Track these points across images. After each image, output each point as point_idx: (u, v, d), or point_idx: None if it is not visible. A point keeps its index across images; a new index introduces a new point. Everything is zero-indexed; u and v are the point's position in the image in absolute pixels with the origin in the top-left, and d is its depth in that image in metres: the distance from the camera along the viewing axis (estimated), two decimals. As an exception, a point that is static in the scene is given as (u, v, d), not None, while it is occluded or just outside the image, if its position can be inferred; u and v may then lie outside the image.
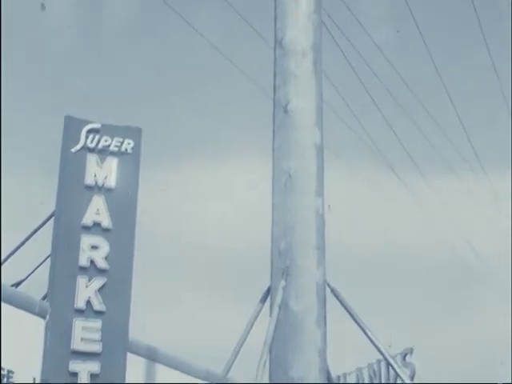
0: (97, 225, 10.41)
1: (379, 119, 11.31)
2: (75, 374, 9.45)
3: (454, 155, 14.72)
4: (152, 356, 10.43)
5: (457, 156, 14.74)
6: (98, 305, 9.91)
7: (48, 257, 10.31)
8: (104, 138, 10.79)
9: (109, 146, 10.75)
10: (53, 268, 10.08)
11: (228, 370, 5.08)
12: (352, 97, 10.57)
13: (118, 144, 10.78)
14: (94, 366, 9.56)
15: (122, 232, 10.45)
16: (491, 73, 12.91)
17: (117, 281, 10.14)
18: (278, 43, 5.55)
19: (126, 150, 10.80)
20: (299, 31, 5.48)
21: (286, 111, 5.34)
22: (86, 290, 9.98)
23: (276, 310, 5.02)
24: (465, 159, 15.04)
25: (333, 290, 5.24)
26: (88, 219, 10.38)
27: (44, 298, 9.97)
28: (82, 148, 10.72)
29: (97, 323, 9.75)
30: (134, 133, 10.93)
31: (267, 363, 4.90)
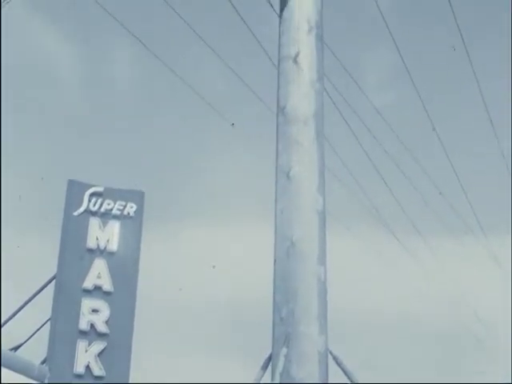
0: (98, 288, 10.41)
1: (381, 184, 11.35)
2: None
3: (455, 219, 14.72)
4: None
5: (457, 220, 14.75)
6: (97, 370, 9.83)
7: (48, 320, 10.26)
8: (107, 202, 10.85)
9: (111, 209, 10.81)
10: (52, 332, 10.02)
11: None
12: (353, 162, 10.64)
13: (121, 207, 10.84)
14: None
15: (123, 296, 10.43)
16: (491, 136, 12.99)
17: (117, 345, 10.08)
18: (281, 110, 5.61)
19: (129, 213, 10.85)
20: (301, 99, 5.53)
21: (288, 177, 5.36)
22: (86, 355, 9.91)
23: (277, 377, 4.96)
24: (465, 223, 15.05)
25: (335, 358, 5.19)
26: (89, 283, 10.39)
27: (43, 362, 9.89)
28: (85, 211, 10.78)
29: (96, 389, 9.67)
30: (137, 196, 10.99)
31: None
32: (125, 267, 10.48)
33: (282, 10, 5.93)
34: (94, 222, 10.66)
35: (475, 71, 10.77)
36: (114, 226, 10.69)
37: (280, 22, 5.91)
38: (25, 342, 10.58)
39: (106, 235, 10.59)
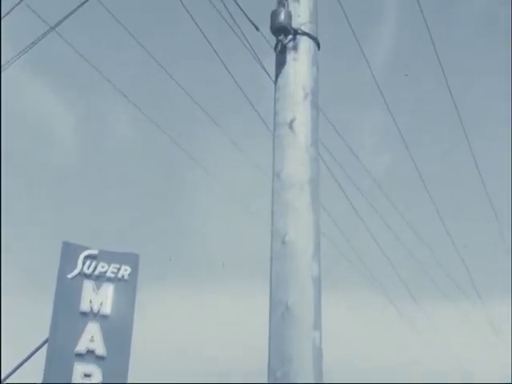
0: (90, 352, 10.32)
1: (376, 249, 11.38)
2: None
3: (450, 284, 14.70)
4: None
5: (452, 284, 14.74)
6: None
7: (40, 385, 10.15)
8: (101, 264, 10.84)
9: (105, 272, 10.80)
10: (44, 397, 9.91)
11: None
12: (349, 227, 10.67)
13: (115, 270, 10.83)
14: None
15: (116, 360, 10.34)
16: (487, 203, 13.08)
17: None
18: (276, 176, 5.66)
19: (123, 276, 10.83)
20: (297, 165, 5.59)
21: (283, 242, 5.39)
22: (78, 421, 9.78)
23: None
24: (461, 287, 15.04)
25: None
26: (82, 346, 10.31)
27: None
28: (79, 274, 10.76)
29: None
30: (132, 259, 10.99)
31: None
32: (118, 331, 10.41)
33: (277, 76, 6.04)
34: (88, 285, 10.63)
35: (469, 134, 10.91)
36: (108, 289, 10.65)
37: (275, 89, 6.01)
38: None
39: (99, 298, 10.54)
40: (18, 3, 6.34)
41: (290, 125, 5.71)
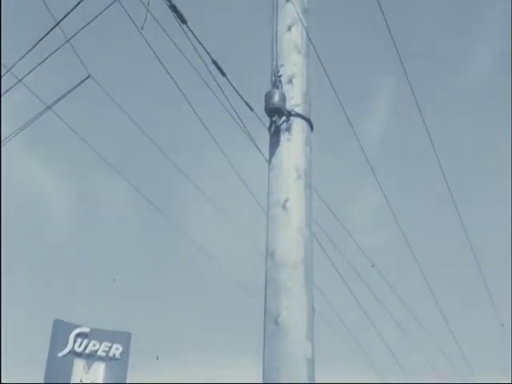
0: (79, 435, 10.13)
1: (370, 327, 11.31)
2: None
3: (443, 362, 14.59)
4: None
5: (445, 363, 14.62)
6: None
7: None
8: (92, 343, 10.79)
9: (97, 350, 10.73)
10: None
11: None
12: (342, 305, 10.63)
13: (106, 349, 10.76)
14: None
15: None
16: (482, 283, 13.06)
17: None
18: (270, 255, 5.66)
19: (114, 355, 10.76)
20: (290, 245, 5.60)
21: (276, 323, 5.35)
22: None
23: None
24: (454, 366, 14.93)
25: None
26: (71, 428, 10.10)
27: None
28: (70, 352, 10.70)
29: None
30: (123, 337, 10.89)
31: None
32: (108, 411, 10.23)
33: (270, 156, 6.10)
34: (79, 364, 10.54)
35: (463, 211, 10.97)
36: (99, 368, 10.56)
37: (269, 169, 6.06)
38: None
39: (90, 377, 10.44)
40: (16, 83, 6.44)
41: (284, 205, 5.74)
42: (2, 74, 6.75)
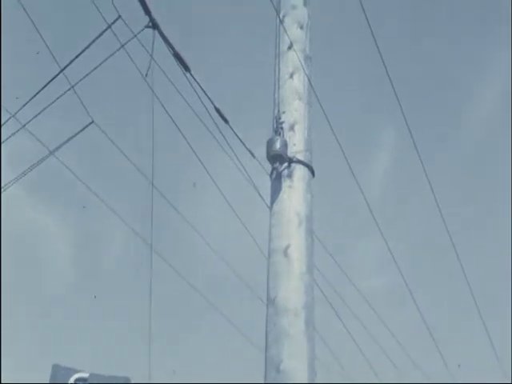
0: None
1: (372, 376, 11.25)
2: None
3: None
4: None
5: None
6: None
7: None
8: (92, 388, 10.63)
9: (96, 396, 10.57)
10: None
11: None
12: (344, 352, 10.57)
13: (106, 394, 10.61)
14: None
15: None
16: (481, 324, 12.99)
17: None
18: (271, 302, 5.65)
19: (114, 400, 10.60)
20: (291, 291, 5.59)
21: (278, 371, 5.31)
22: None
23: None
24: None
25: None
26: None
27: None
28: (69, 398, 10.53)
29: None
30: (122, 382, 10.77)
31: None
32: None
33: (272, 202, 6.12)
34: (78, 409, 10.37)
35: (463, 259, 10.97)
36: (98, 414, 10.39)
37: (270, 215, 6.07)
38: None
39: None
40: (19, 129, 6.48)
41: (285, 251, 5.74)
42: (5, 119, 6.80)
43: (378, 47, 7.73)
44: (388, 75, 7.95)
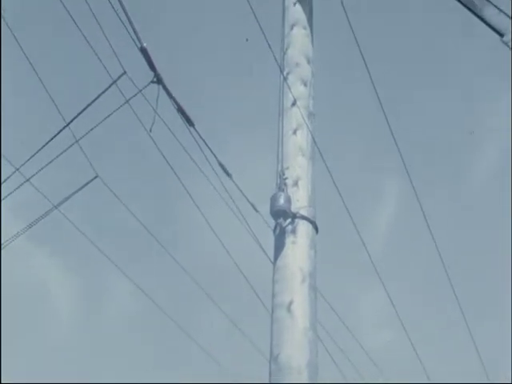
0: None
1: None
2: None
3: None
4: None
5: None
6: None
7: None
8: None
9: None
10: None
11: None
12: None
13: None
14: None
15: None
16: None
17: None
18: (274, 359, 5.59)
19: None
20: (295, 348, 5.53)
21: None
22: None
23: None
24: None
25: None
26: None
27: None
28: None
29: None
30: None
31: None
32: None
33: (275, 258, 6.10)
34: None
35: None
36: None
37: (274, 271, 6.05)
38: None
39: None
40: (23, 183, 6.50)
41: (288, 307, 5.71)
42: (9, 172, 6.83)
43: (380, 102, 7.81)
44: (391, 130, 8.01)
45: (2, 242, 7.46)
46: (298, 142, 6.43)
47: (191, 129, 6.24)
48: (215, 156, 6.29)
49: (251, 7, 6.27)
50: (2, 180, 6.74)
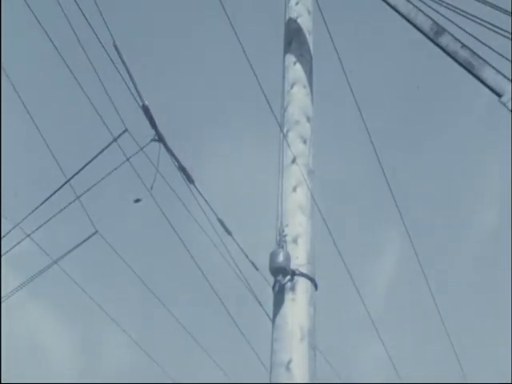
0: None
1: None
2: None
3: None
4: None
5: None
6: None
7: None
8: None
9: None
10: None
11: None
12: None
13: None
14: None
15: None
16: None
17: None
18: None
19: None
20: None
21: None
22: None
23: None
24: None
25: None
26: None
27: None
28: None
29: None
30: None
31: None
32: None
33: (274, 316, 6.08)
34: None
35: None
36: None
37: (273, 328, 6.02)
38: None
39: None
40: (24, 239, 6.52)
41: (287, 366, 5.68)
42: (9, 227, 6.86)
43: (377, 156, 7.87)
44: (389, 185, 8.05)
45: (2, 295, 7.45)
46: (297, 199, 6.45)
47: (191, 186, 6.29)
48: (215, 213, 6.32)
49: (251, 66, 6.36)
50: (2, 235, 6.76)
